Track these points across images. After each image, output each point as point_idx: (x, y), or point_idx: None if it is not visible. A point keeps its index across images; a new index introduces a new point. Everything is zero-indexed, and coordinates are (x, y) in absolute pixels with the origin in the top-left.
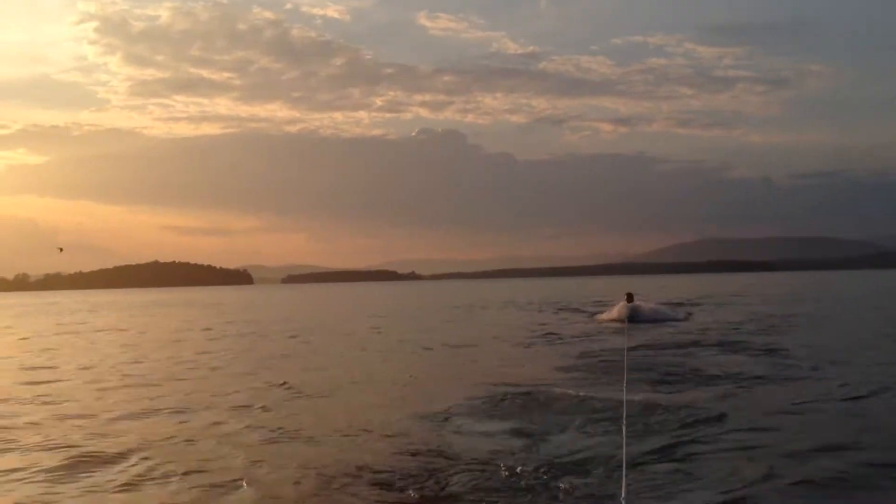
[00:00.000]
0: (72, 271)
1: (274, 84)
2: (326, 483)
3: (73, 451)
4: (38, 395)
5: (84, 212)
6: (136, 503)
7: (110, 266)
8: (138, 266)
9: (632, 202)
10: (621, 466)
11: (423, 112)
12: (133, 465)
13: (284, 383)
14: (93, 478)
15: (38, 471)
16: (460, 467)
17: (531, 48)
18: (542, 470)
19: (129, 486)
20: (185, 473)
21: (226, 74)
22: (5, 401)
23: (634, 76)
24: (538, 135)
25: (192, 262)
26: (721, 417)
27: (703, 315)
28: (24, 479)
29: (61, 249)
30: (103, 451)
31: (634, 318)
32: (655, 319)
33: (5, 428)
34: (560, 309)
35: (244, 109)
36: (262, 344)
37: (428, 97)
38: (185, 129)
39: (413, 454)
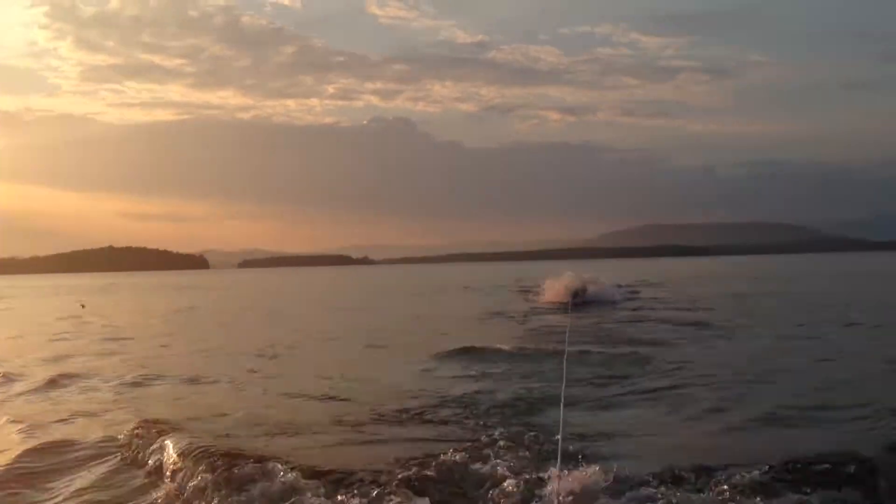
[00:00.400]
0: (27, 256)
1: (226, 71)
2: (336, 416)
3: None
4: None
5: (37, 196)
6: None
7: (66, 251)
8: (93, 251)
9: (578, 189)
10: (561, 403)
11: (375, 100)
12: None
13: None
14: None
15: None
16: (442, 403)
17: (480, 37)
18: (502, 406)
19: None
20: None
21: (177, 61)
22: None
23: (581, 66)
24: (487, 123)
25: (148, 246)
26: (645, 366)
27: (647, 294)
28: None
29: (83, 306)
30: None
31: (578, 298)
32: (599, 300)
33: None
34: (509, 291)
35: (197, 96)
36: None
37: (379, 85)
38: (138, 115)
39: (403, 394)
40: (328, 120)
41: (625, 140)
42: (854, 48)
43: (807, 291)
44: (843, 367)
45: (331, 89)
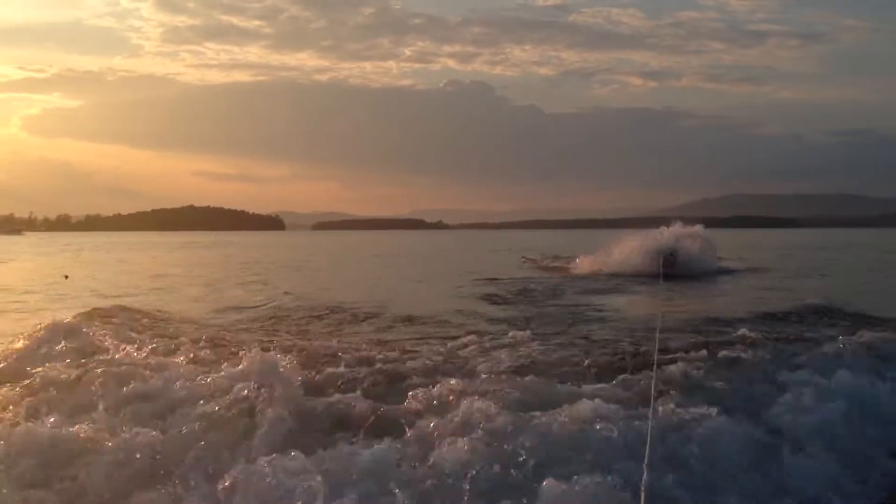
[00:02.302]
0: (110, 213)
1: (303, 33)
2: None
3: None
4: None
5: (118, 156)
6: None
7: (147, 209)
8: (175, 210)
9: (658, 156)
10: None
11: (452, 63)
12: None
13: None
14: None
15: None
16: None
17: (561, 0)
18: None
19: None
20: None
21: (256, 22)
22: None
23: (665, 29)
24: (566, 88)
25: (226, 206)
26: None
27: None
28: None
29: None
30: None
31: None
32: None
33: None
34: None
35: (274, 58)
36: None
37: (457, 48)
38: (216, 77)
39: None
40: (404, 83)
41: (709, 106)
42: None
43: None
44: None
45: (408, 52)
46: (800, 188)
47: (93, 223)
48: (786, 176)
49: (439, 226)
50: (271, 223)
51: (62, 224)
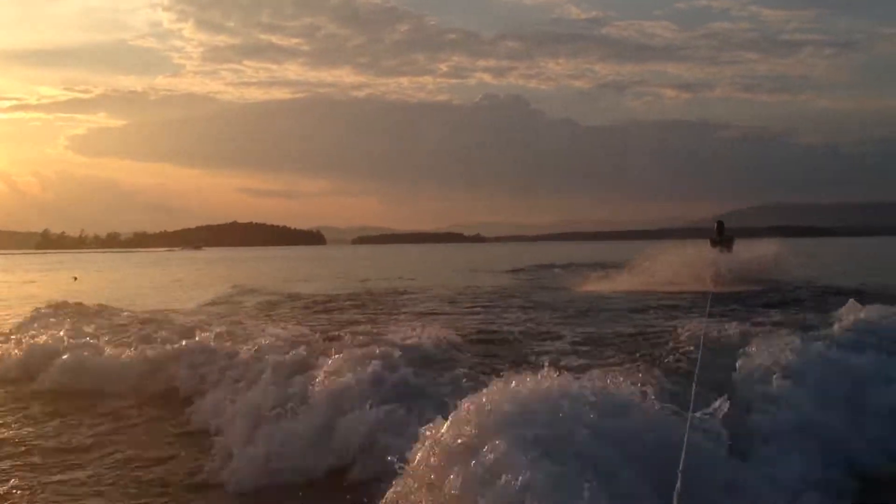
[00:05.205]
0: (156, 231)
1: (341, 50)
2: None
3: None
4: None
5: (162, 173)
6: None
7: (192, 226)
8: (219, 226)
9: (694, 168)
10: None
11: (487, 77)
12: None
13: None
14: None
15: None
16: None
17: (594, 13)
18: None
19: None
20: None
21: (294, 40)
22: None
23: (698, 41)
24: (601, 100)
25: (268, 222)
26: None
27: None
28: None
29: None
30: None
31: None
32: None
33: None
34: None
35: (312, 75)
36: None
37: (491, 62)
38: (255, 94)
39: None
40: (441, 97)
41: (744, 117)
42: None
43: None
44: None
45: (443, 67)
46: (837, 197)
47: (140, 240)
48: (823, 185)
49: (477, 239)
50: (312, 238)
51: (112, 242)
